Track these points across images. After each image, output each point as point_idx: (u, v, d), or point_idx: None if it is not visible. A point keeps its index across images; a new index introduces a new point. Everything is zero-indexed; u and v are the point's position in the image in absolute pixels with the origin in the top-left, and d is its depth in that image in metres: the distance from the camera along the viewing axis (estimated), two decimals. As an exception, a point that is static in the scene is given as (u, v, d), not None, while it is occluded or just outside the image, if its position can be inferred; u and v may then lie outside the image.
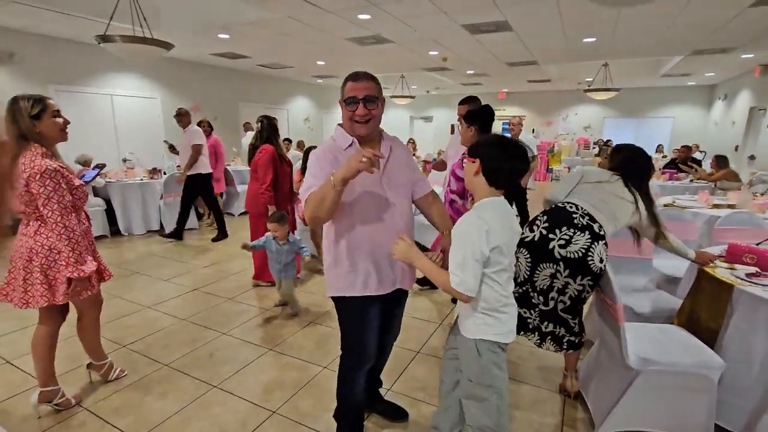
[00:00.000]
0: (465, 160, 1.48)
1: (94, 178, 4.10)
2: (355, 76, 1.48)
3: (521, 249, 1.97)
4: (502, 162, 1.32)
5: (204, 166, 5.20)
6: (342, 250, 1.53)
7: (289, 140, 8.33)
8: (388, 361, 1.96)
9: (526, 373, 2.40)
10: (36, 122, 1.80)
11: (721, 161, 5.38)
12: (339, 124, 1.60)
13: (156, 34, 4.38)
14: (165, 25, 5.41)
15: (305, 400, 2.13)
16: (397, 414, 1.99)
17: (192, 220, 5.94)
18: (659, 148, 10.71)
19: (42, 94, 1.91)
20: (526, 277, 1.97)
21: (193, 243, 5.25)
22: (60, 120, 1.88)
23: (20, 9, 4.70)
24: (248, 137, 7.42)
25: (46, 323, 1.98)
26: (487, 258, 1.28)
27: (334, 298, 1.60)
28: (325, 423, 1.96)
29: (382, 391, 2.08)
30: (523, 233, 1.94)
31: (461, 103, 3.11)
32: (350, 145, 1.52)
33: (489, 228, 1.27)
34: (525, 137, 5.34)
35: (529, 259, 1.96)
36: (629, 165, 2.07)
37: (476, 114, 2.62)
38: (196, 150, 5.06)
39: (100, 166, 4.28)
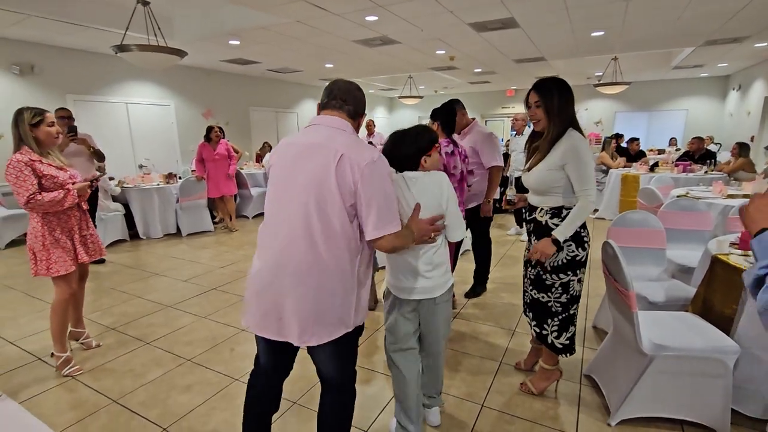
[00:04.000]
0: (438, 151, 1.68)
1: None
2: None
3: (580, 269, 1.89)
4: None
5: None
6: (371, 278, 1.46)
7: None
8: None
9: (540, 363, 2.42)
10: (35, 129, 2.23)
11: (742, 148, 5.33)
12: (338, 125, 1.35)
13: (170, 43, 4.52)
14: (178, 34, 5.55)
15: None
16: None
17: (207, 224, 6.07)
18: (672, 141, 10.57)
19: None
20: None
21: (210, 246, 5.36)
22: (53, 129, 2.28)
23: (41, 23, 4.87)
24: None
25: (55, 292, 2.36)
26: None
27: (356, 328, 1.40)
28: (345, 412, 2.02)
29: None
30: (575, 253, 1.85)
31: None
32: None
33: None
34: (528, 133, 5.34)
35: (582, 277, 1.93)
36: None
37: (438, 111, 2.79)
38: None
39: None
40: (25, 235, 5.41)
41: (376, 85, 11.96)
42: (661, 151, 9.62)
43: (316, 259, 1.25)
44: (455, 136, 3.27)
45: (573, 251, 1.86)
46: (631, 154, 7.09)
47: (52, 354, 2.42)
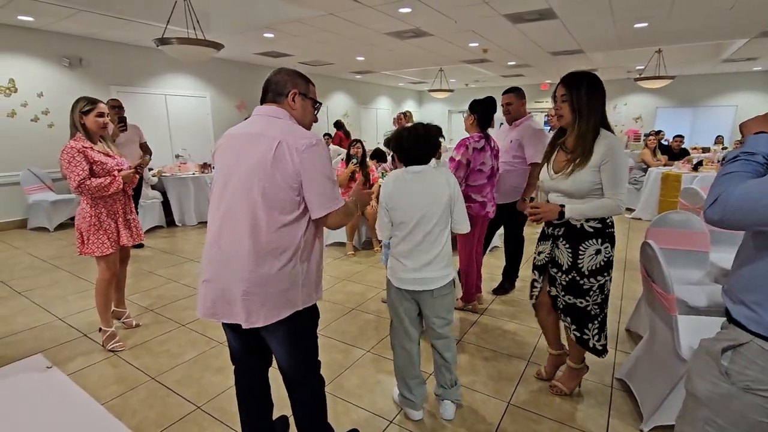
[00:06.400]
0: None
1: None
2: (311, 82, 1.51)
3: (611, 268, 1.84)
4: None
5: None
6: (318, 258, 1.45)
7: (329, 135, 8.55)
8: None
9: (570, 364, 2.37)
10: (84, 117, 2.37)
11: None
12: (273, 113, 1.38)
13: (207, 36, 4.64)
14: (215, 27, 5.70)
15: (350, 380, 2.23)
16: None
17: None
18: (719, 139, 9.99)
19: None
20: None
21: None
22: (101, 120, 2.41)
23: (89, 17, 5.11)
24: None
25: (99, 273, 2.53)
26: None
27: (305, 309, 1.39)
28: (369, 401, 2.05)
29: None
30: (610, 254, 1.81)
31: (504, 93, 3.10)
32: None
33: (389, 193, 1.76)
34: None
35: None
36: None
37: (478, 104, 2.75)
38: None
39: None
40: (72, 218, 5.76)
41: (405, 78, 11.88)
42: (705, 150, 9.12)
43: (259, 245, 1.29)
44: (503, 128, 3.22)
45: (609, 252, 1.81)
46: (674, 151, 6.75)
47: (100, 329, 2.59)
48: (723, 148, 8.89)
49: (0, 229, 5.61)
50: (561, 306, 1.97)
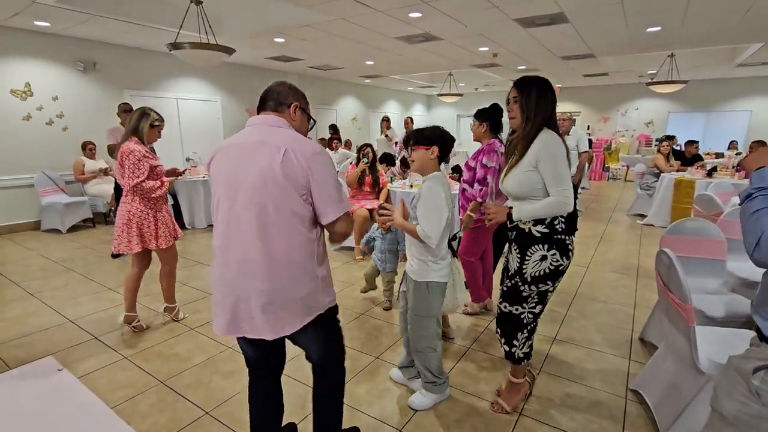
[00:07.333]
0: (413, 150, 1.89)
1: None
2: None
3: (560, 278, 1.78)
4: (448, 144, 1.90)
5: None
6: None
7: (338, 140, 8.55)
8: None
9: (584, 374, 2.33)
10: (150, 129, 2.66)
11: None
12: (274, 122, 1.38)
13: (219, 41, 4.68)
14: (227, 32, 5.75)
15: (359, 387, 2.21)
16: None
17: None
18: (732, 145, 9.83)
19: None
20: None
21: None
22: (157, 135, 2.78)
23: (103, 22, 5.19)
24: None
25: (133, 266, 2.83)
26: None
27: (329, 309, 1.44)
28: (379, 409, 2.03)
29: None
30: (559, 263, 1.74)
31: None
32: None
33: (444, 192, 1.83)
34: (576, 133, 5.15)
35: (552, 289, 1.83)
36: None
37: (488, 112, 2.77)
38: None
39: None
40: (84, 221, 5.84)
41: (414, 83, 11.89)
42: (719, 155, 8.98)
43: (273, 255, 1.28)
44: None
45: (557, 260, 1.74)
46: (687, 157, 6.65)
47: (165, 308, 3.00)
48: (737, 154, 8.73)
49: (14, 230, 5.70)
50: (496, 314, 1.95)
